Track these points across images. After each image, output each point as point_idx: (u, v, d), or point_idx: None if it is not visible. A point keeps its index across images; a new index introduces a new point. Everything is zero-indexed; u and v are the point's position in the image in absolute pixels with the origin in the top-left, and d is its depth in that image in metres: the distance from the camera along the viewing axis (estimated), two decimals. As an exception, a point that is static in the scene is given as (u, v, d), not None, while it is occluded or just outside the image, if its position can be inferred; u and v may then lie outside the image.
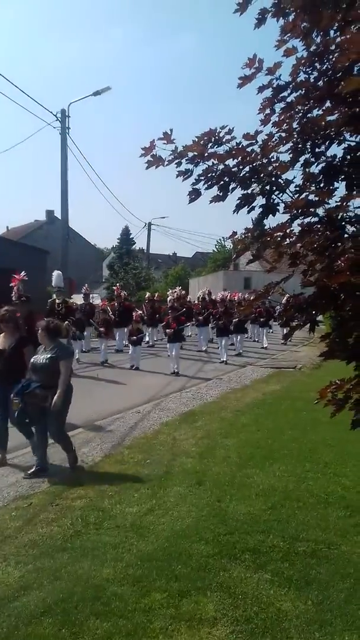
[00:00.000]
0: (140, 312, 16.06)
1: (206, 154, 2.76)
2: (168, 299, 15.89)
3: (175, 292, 16.68)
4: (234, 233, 3.00)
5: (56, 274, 13.28)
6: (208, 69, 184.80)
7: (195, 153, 2.75)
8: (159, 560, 3.80)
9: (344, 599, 3.37)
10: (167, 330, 13.63)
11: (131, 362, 13.81)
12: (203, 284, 35.28)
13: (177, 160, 2.77)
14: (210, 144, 2.77)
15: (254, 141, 2.78)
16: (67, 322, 12.23)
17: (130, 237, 47.67)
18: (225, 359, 15.23)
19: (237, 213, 2.93)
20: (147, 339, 18.54)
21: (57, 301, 12.78)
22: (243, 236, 2.97)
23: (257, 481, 5.38)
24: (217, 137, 2.77)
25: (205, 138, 2.76)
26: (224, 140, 2.78)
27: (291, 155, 2.83)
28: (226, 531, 4.26)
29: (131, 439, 7.12)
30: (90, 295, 18.05)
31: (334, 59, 2.65)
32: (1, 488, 5.34)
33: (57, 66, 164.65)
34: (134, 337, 13.79)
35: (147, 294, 20.68)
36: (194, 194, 2.86)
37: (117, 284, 18.69)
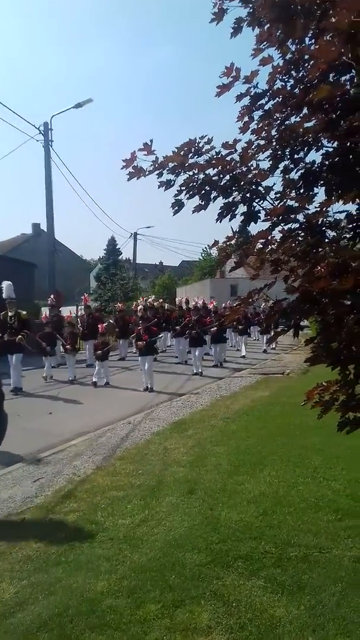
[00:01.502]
0: (106, 323, 14.96)
1: (187, 164, 2.79)
2: (138, 308, 15.02)
3: (146, 300, 16.19)
4: (216, 242, 3.03)
5: (5, 284, 12.41)
6: (188, 80, 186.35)
7: (176, 163, 2.78)
8: (153, 571, 3.78)
9: (336, 603, 3.37)
10: (139, 343, 12.48)
11: (95, 378, 12.74)
12: (190, 293, 35.37)
13: (158, 171, 2.79)
14: (190, 154, 2.81)
15: (233, 150, 2.82)
16: (20, 336, 11.75)
17: (117, 247, 47.68)
18: (199, 371, 14.33)
19: (220, 222, 2.96)
20: (118, 352, 17.96)
21: (9, 314, 12.02)
22: (225, 244, 3.00)
23: (248, 488, 5.38)
24: (197, 147, 2.81)
25: (186, 148, 2.79)
26: (203, 150, 2.81)
27: (270, 162, 2.88)
28: (219, 539, 4.25)
29: (122, 450, 7.10)
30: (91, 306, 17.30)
31: (309, 66, 2.71)
32: (-8, 504, 5.29)
33: (40, 79, 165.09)
34: (99, 352, 12.78)
35: (118, 305, 19.60)
36: (177, 205, 2.89)
37: (85, 294, 17.79)
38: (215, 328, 15.51)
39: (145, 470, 6.10)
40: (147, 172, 2.79)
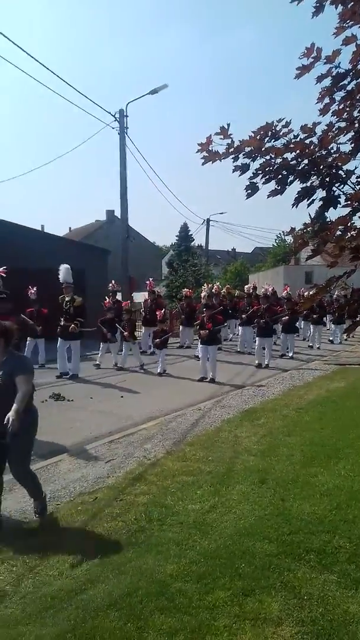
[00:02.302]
0: (165, 310, 14.43)
1: (263, 149, 2.73)
2: (202, 295, 14.05)
3: (210, 286, 15.25)
4: (293, 229, 2.95)
5: (63, 268, 11.96)
6: (265, 62, 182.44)
7: (252, 147, 2.72)
8: (223, 558, 3.79)
9: None
10: (201, 332, 11.72)
11: (159, 368, 12.42)
12: (263, 280, 34.89)
13: (233, 155, 2.74)
14: (267, 138, 2.73)
15: (312, 133, 2.72)
16: (75, 323, 11.56)
17: (189, 234, 47.70)
18: (267, 362, 13.53)
19: (296, 207, 2.88)
20: (181, 340, 17.54)
21: (66, 298, 11.83)
22: (302, 231, 2.92)
23: (322, 480, 5.27)
24: (274, 131, 2.73)
25: (262, 132, 2.72)
26: (281, 133, 2.73)
27: (352, 145, 2.75)
28: (290, 530, 4.19)
29: (192, 435, 7.14)
30: (156, 291, 16.66)
31: None
32: (67, 483, 5.48)
33: (115, 67, 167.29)
34: (157, 340, 12.39)
35: (185, 290, 18.75)
36: (252, 189, 2.83)
37: (150, 279, 16.82)
38: (287, 317, 14.83)
39: (216, 457, 6.11)
40: (222, 156, 2.75)
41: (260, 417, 8.03)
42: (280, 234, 53.06)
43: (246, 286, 18.50)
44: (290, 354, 15.48)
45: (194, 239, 49.00)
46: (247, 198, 2.86)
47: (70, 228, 60.52)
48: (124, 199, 19.98)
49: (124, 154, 19.58)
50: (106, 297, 14.08)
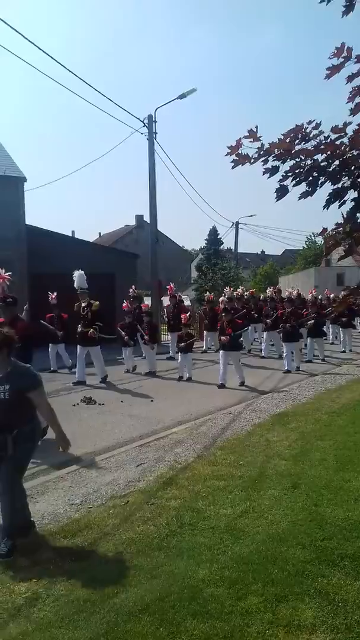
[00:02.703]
0: (189, 313, 13.92)
1: (293, 151, 2.71)
2: (220, 299, 13.93)
3: (231, 290, 14.81)
4: (325, 229, 2.92)
5: (77, 274, 11.84)
6: (292, 63, 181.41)
7: (282, 150, 2.71)
8: (255, 564, 3.76)
9: None
10: (222, 337, 11.28)
11: (180, 372, 12.26)
12: (294, 282, 34.59)
13: (263, 158, 2.73)
14: (297, 140, 2.72)
15: (343, 134, 2.69)
16: (93, 328, 11.30)
17: (218, 237, 47.58)
18: (297, 365, 13.26)
19: (327, 209, 2.85)
20: (204, 345, 17.17)
21: (82, 304, 11.60)
22: (334, 232, 2.88)
23: (356, 485, 5.18)
24: (304, 133, 2.71)
25: (292, 135, 2.71)
26: (311, 135, 2.71)
27: (384, 145, 2.71)
28: (324, 536, 4.13)
29: (223, 440, 7.11)
30: (177, 295, 16.39)
31: None
32: (99, 486, 5.52)
33: (142, 72, 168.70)
34: (183, 344, 12.03)
35: (207, 294, 18.23)
36: (282, 191, 2.82)
37: (171, 283, 16.40)
38: (313, 321, 14.37)
39: (247, 461, 6.07)
40: (252, 160, 2.74)
41: (292, 421, 7.95)
42: (310, 235, 52.59)
43: (268, 289, 18.09)
44: (321, 357, 15.12)
45: (223, 242, 48.87)
46: (277, 200, 2.84)
47: (100, 233, 61.32)
48: (153, 203, 20.09)
49: (152, 159, 19.70)
50: (124, 301, 13.91)
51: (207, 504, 4.90)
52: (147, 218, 24.15)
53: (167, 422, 8.29)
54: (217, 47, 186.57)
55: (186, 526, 4.46)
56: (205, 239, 48.62)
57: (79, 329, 11.57)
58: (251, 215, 48.74)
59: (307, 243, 54.45)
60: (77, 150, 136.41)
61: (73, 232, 43.28)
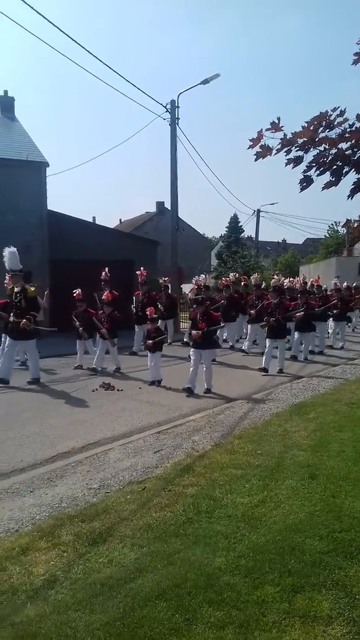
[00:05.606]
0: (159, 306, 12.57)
1: (317, 139, 2.66)
2: (190, 288, 12.19)
3: (204, 278, 13.11)
4: (348, 221, 2.87)
5: (7, 252, 9.62)
6: (316, 51, 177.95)
7: (306, 139, 2.66)
8: (271, 553, 3.76)
9: None
10: (193, 332, 9.43)
11: (151, 377, 10.23)
12: (314, 271, 34.22)
13: (286, 149, 2.69)
14: (321, 129, 2.67)
15: (369, 121, 2.63)
16: (24, 320, 9.52)
17: (239, 225, 47.33)
18: (280, 367, 11.48)
19: (351, 199, 2.80)
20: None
21: (15, 290, 9.74)
22: (358, 222, 2.84)
23: (374, 477, 5.15)
24: (328, 121, 2.66)
25: (316, 123, 2.66)
26: (335, 123, 2.66)
27: None
28: (341, 528, 4.12)
29: (241, 428, 7.12)
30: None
31: None
32: (117, 471, 5.57)
33: (165, 58, 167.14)
34: (150, 341, 10.08)
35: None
36: (306, 182, 2.78)
37: (142, 268, 14.23)
38: (302, 313, 12.55)
39: (264, 450, 6.07)
40: (274, 151, 2.70)
41: (311, 411, 7.92)
42: (332, 224, 51.87)
43: (252, 276, 16.24)
44: (341, 345, 15.01)
45: (243, 230, 48.64)
46: (300, 191, 2.81)
47: (120, 220, 61.30)
48: (174, 190, 19.99)
49: (174, 145, 19.58)
50: (79, 289, 11.77)
51: (224, 492, 4.91)
52: (168, 205, 24.05)
53: (185, 409, 8.31)
54: (241, 32, 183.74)
55: (203, 514, 4.48)
56: (226, 227, 48.43)
57: (11, 319, 9.82)
58: (273, 203, 48.69)
59: (329, 232, 53.77)
60: (100, 135, 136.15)
61: (94, 218, 43.40)
